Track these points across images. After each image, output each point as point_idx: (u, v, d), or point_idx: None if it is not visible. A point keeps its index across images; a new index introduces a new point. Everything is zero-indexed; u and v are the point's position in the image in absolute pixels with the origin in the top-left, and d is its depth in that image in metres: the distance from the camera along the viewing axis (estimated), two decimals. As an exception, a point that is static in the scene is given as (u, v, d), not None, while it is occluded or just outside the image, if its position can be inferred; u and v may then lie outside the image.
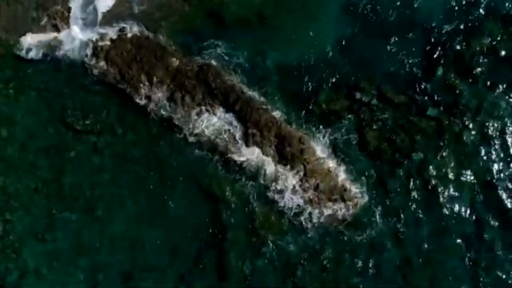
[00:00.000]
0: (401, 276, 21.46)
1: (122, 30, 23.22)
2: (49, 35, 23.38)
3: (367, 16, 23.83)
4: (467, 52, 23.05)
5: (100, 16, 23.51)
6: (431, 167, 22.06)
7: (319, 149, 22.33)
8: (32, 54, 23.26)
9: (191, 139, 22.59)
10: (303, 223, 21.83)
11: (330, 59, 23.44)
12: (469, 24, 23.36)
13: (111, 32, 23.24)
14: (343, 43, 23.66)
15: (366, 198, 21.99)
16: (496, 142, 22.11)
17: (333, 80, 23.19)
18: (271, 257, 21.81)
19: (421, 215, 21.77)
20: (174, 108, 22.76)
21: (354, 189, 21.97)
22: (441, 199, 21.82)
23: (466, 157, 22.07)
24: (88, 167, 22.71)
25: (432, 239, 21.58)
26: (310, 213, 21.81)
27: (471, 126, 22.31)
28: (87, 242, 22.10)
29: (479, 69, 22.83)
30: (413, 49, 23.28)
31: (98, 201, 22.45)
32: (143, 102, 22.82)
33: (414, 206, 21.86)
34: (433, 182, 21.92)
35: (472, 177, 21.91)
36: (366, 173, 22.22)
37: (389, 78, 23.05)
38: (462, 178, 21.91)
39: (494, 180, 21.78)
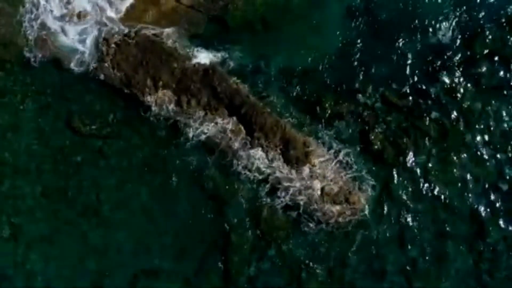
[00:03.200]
0: (405, 278, 21.60)
1: (127, 34, 23.30)
2: (55, 40, 23.46)
3: (370, 20, 24.00)
4: (470, 55, 23.24)
5: (105, 21, 23.68)
6: (434, 170, 22.24)
7: (324, 152, 22.47)
8: (37, 59, 23.32)
9: (196, 142, 22.69)
10: (308, 225, 21.94)
11: (333, 62, 23.59)
12: (472, 27, 23.56)
13: (117, 36, 23.32)
14: (347, 46, 23.81)
15: (370, 200, 22.12)
16: (500, 145, 22.34)
17: (337, 83, 23.33)
18: (276, 259, 21.91)
19: (425, 217, 21.91)
20: (179, 111, 22.86)
21: (359, 191, 22.10)
22: (445, 201, 22.00)
23: (469, 160, 22.23)
24: (94, 171, 22.76)
25: (436, 241, 21.73)
26: (314, 216, 21.90)
27: (474, 129, 22.55)
28: (93, 245, 22.13)
29: (482, 72, 23.04)
30: (416, 52, 23.43)
31: (104, 204, 22.48)
32: (148, 106, 22.90)
33: (418, 208, 21.99)
34: (437, 184, 22.10)
35: (475, 180, 22.11)
36: (370, 176, 22.34)
37: (393, 82, 23.19)
38: (465, 181, 22.10)
39: (498, 183, 21.99)
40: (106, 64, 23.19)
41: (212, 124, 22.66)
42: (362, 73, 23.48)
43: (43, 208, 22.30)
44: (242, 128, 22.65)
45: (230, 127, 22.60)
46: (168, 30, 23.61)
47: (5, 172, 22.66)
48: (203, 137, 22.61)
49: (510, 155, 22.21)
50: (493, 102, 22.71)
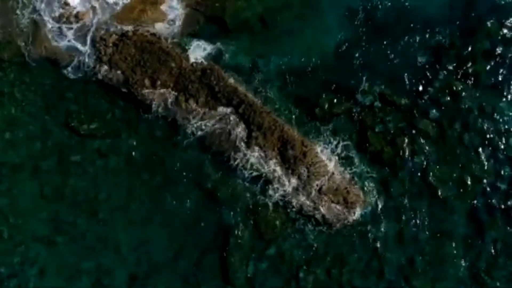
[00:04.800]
0: (403, 278, 21.60)
1: (125, 34, 23.31)
2: (54, 40, 23.49)
3: (369, 19, 24.01)
4: (468, 54, 23.20)
5: (103, 21, 23.71)
6: (432, 169, 22.22)
7: (322, 151, 22.46)
8: (36, 59, 23.37)
9: (195, 141, 22.73)
10: (306, 225, 21.98)
11: (332, 62, 23.63)
12: (470, 27, 23.55)
13: (115, 36, 23.33)
14: (345, 46, 23.82)
15: (369, 200, 22.14)
16: (497, 144, 22.29)
17: (335, 83, 23.34)
18: (274, 259, 21.98)
19: (423, 217, 21.91)
20: (177, 111, 22.89)
21: (357, 191, 22.10)
22: (443, 201, 21.98)
23: (467, 160, 22.23)
24: (92, 170, 22.86)
25: (434, 241, 21.74)
26: (313, 216, 21.92)
27: (472, 128, 22.52)
28: (92, 245, 22.24)
29: (480, 71, 23.01)
30: (415, 52, 23.46)
31: (103, 204, 22.59)
32: (147, 105, 22.92)
33: (416, 208, 22.01)
34: (435, 184, 22.09)
35: (473, 179, 22.08)
36: (369, 175, 22.37)
37: (391, 81, 23.21)
38: (463, 180, 22.08)
39: (495, 182, 21.97)
40: (104, 64, 23.23)
41: (210, 123, 22.67)
42: (361, 72, 23.48)
43: (41, 208, 22.40)
44: (241, 126, 22.66)
45: (227, 127, 22.61)
46: (166, 30, 23.65)
47: (4, 172, 22.75)
48: (200, 136, 22.63)
49: (507, 155, 22.19)
50: (491, 102, 22.71)
